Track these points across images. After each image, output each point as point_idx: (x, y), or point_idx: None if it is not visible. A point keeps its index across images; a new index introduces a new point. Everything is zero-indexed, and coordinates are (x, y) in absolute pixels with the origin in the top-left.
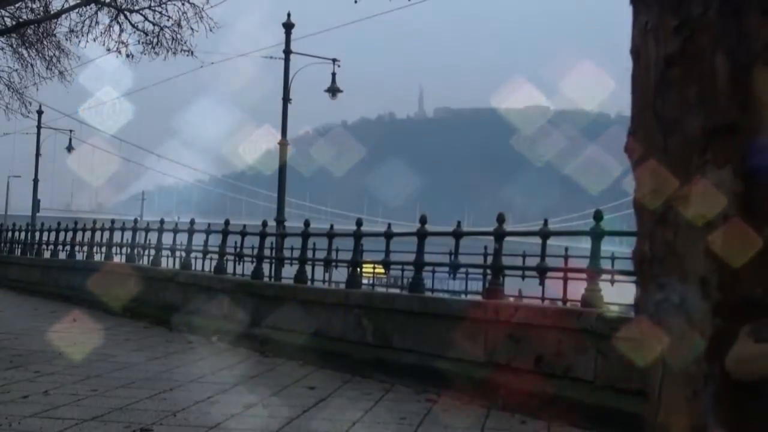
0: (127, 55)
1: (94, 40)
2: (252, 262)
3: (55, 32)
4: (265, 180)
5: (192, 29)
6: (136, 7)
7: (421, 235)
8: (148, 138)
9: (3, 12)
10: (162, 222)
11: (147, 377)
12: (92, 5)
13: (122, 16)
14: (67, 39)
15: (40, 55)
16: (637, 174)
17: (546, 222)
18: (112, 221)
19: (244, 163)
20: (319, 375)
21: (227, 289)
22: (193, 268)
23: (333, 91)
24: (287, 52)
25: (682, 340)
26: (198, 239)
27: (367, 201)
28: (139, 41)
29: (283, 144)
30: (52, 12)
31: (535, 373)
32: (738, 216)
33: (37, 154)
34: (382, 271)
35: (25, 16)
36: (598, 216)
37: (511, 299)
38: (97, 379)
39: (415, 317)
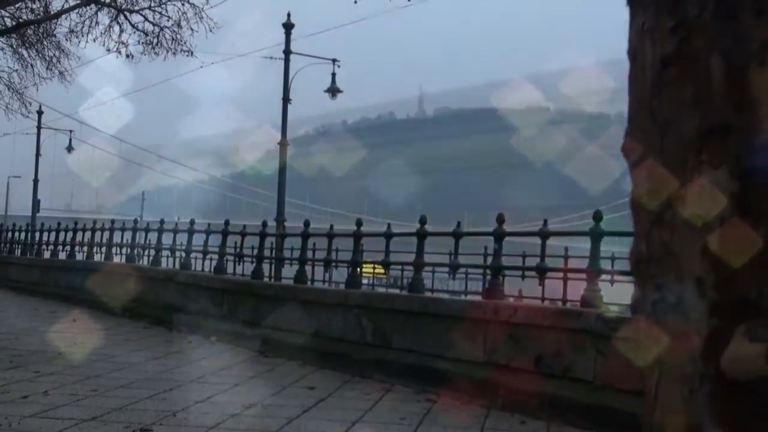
0: (127, 56)
1: (94, 41)
2: (252, 262)
3: (55, 32)
4: (265, 180)
5: (192, 29)
6: (136, 8)
7: (421, 235)
8: (148, 138)
9: (3, 12)
10: (162, 222)
11: (147, 377)
12: (92, 5)
13: (122, 17)
14: (67, 39)
15: (40, 55)
16: (633, 174)
17: (545, 222)
18: (112, 221)
19: (244, 163)
20: (318, 375)
21: (227, 290)
22: (192, 268)
23: (333, 91)
24: (287, 52)
25: (678, 339)
26: (198, 239)
27: (367, 201)
28: (139, 41)
29: (283, 144)
30: (52, 12)
31: (535, 373)
32: (734, 216)
33: (37, 155)
34: (382, 271)
35: (25, 17)
36: (597, 216)
37: (511, 299)
38: (97, 379)
39: (415, 317)
